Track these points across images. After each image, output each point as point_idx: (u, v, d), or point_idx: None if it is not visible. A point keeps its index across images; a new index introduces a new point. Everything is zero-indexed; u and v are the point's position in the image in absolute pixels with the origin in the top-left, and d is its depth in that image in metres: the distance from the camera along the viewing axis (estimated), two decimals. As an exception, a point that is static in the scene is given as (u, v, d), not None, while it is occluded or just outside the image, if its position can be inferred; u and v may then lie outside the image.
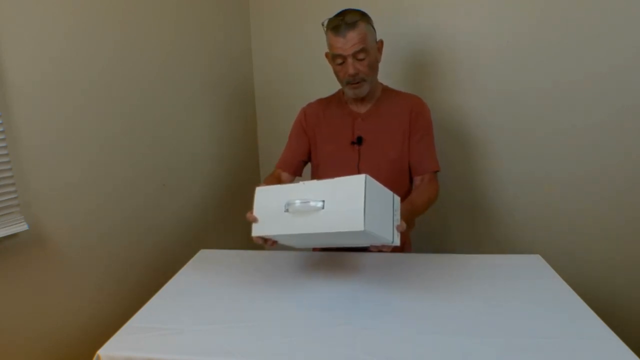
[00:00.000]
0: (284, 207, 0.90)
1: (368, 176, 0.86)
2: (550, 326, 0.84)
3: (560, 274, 1.06)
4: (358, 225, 0.81)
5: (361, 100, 1.31)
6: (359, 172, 1.25)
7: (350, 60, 1.18)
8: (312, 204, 0.86)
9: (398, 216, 0.94)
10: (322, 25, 1.24)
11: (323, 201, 0.86)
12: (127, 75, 1.37)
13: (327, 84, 1.44)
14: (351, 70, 1.19)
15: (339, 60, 1.22)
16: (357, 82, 1.22)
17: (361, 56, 1.19)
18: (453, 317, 0.88)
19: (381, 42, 1.29)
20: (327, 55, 1.31)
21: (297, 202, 0.88)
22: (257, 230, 0.98)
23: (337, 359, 0.77)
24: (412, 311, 0.92)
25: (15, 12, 1.05)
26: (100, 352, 0.80)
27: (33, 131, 1.10)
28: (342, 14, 1.19)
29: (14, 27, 1.05)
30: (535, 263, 1.14)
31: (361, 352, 0.78)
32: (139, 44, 1.41)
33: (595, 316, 0.87)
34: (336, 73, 1.26)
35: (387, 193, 0.93)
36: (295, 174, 1.42)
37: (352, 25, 1.16)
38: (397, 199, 0.96)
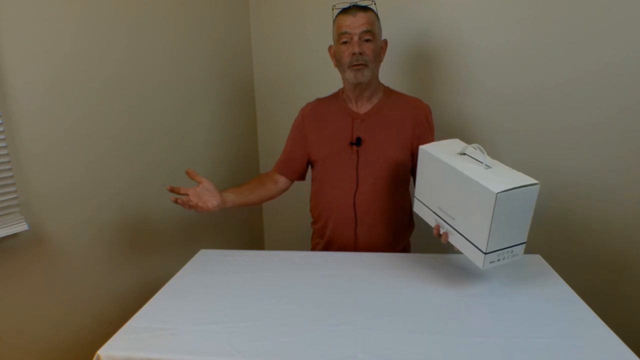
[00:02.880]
0: (461, 150, 1.02)
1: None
2: (550, 326, 0.84)
3: (560, 274, 1.06)
4: (492, 194, 0.85)
5: (361, 99, 1.30)
6: (357, 173, 1.26)
7: (356, 39, 1.19)
8: (483, 161, 0.96)
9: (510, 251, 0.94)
10: (333, 8, 1.27)
11: (490, 167, 0.94)
12: (126, 76, 1.37)
13: (328, 83, 1.44)
14: (356, 48, 1.18)
15: (345, 39, 1.20)
16: (360, 64, 1.20)
17: (368, 37, 1.19)
18: (453, 317, 0.88)
19: (385, 42, 1.29)
20: (330, 49, 1.30)
21: (475, 152, 1.00)
22: (426, 147, 1.08)
23: (337, 359, 0.77)
24: (412, 311, 0.92)
25: (16, 12, 1.05)
26: (100, 352, 0.80)
27: (33, 131, 1.10)
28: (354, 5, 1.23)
29: (15, 26, 1.05)
30: (535, 263, 1.14)
31: (361, 352, 0.78)
32: (138, 44, 1.41)
33: (596, 316, 0.87)
34: (339, 56, 1.23)
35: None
36: (292, 178, 1.40)
37: (364, 9, 1.21)
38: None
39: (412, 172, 1.33)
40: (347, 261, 1.18)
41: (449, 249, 1.23)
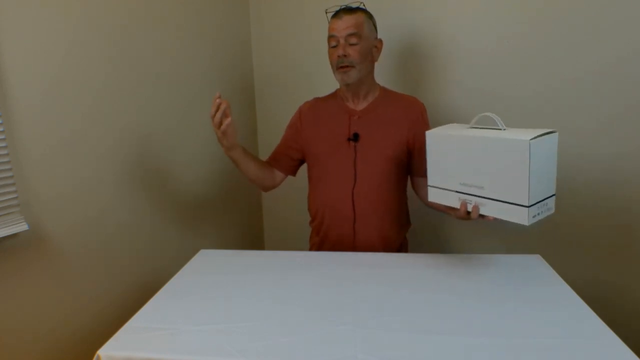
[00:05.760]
0: (471, 125, 1.04)
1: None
2: (550, 326, 0.84)
3: (560, 274, 1.06)
4: (524, 144, 0.88)
5: (357, 97, 1.31)
6: (355, 169, 1.27)
7: (342, 42, 1.21)
8: (500, 127, 0.98)
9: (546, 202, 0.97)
10: (326, 12, 1.29)
11: (506, 129, 0.97)
12: (126, 76, 1.37)
13: (328, 83, 1.44)
14: (340, 51, 1.21)
15: (333, 43, 1.24)
16: (346, 66, 1.22)
17: (353, 40, 1.21)
18: (453, 317, 0.88)
19: (380, 41, 1.30)
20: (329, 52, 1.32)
21: (487, 122, 1.01)
22: (433, 131, 1.07)
23: (337, 358, 0.77)
24: (412, 311, 0.92)
25: (16, 12, 1.05)
26: (100, 352, 0.80)
27: (33, 131, 1.11)
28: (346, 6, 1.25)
29: (15, 26, 1.05)
30: (535, 263, 1.14)
31: (361, 352, 0.78)
32: (137, 44, 1.41)
33: (595, 316, 0.87)
34: (329, 58, 1.28)
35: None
36: (285, 172, 1.43)
37: (351, 12, 1.23)
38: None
39: (409, 170, 1.34)
40: (347, 261, 1.18)
41: (449, 248, 1.23)
